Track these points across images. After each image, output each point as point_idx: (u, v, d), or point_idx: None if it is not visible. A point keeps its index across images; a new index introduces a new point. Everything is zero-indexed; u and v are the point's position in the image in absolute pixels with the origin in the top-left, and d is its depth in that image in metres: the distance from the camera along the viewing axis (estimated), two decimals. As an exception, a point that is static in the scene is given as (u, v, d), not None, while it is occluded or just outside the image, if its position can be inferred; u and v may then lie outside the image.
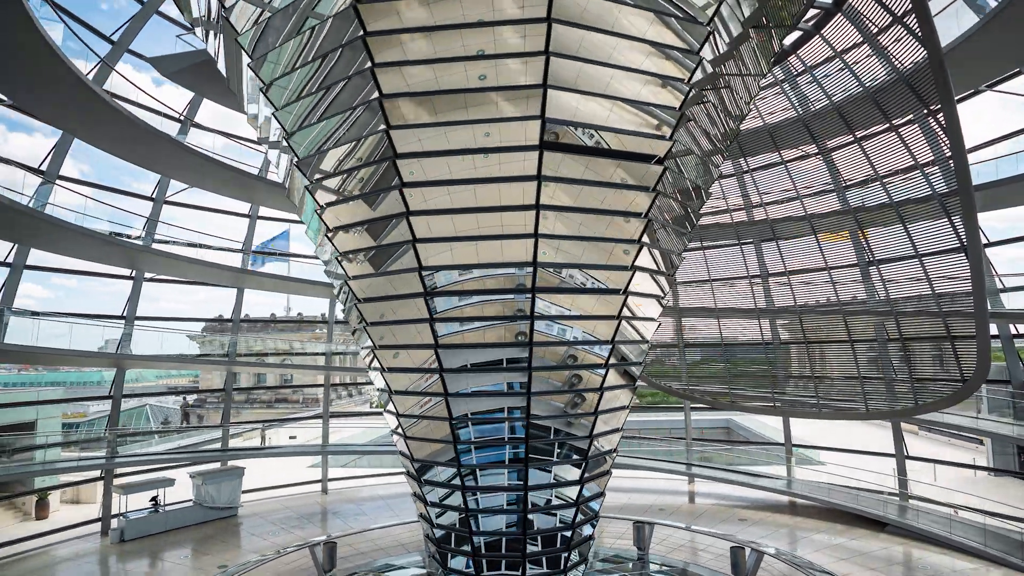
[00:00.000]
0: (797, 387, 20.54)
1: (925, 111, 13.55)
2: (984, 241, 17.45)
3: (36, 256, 17.67)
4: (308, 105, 9.73)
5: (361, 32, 8.38)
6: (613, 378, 11.18)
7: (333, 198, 10.29)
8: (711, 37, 9.09)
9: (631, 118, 9.58)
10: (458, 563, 11.70)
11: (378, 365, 11.35)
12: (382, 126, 8.96)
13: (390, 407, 11.70)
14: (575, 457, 11.31)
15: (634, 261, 10.29)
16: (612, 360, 10.95)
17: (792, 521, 19.61)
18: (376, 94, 8.70)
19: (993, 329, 17.50)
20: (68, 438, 24.90)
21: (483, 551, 11.38)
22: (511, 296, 10.17)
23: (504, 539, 11.43)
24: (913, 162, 14.73)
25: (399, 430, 11.62)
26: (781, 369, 20.66)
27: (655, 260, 11.00)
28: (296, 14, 8.85)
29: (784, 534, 18.39)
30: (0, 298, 16.69)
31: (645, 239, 10.23)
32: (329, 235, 10.56)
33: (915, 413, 17.25)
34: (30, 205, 15.48)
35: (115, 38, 16.64)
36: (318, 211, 10.48)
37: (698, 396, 23.11)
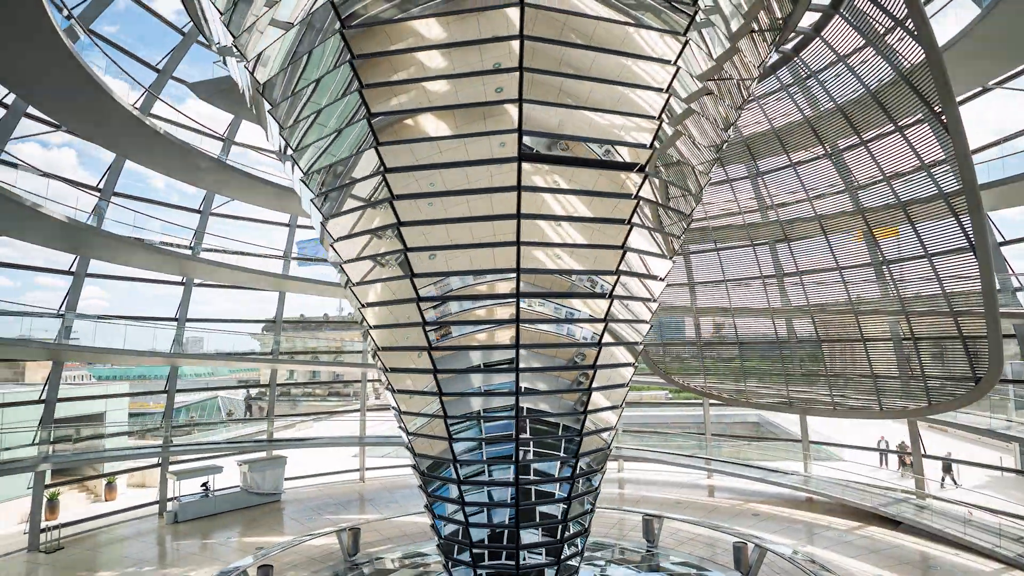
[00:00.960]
0: (813, 385, 19.77)
1: (928, 110, 12.79)
2: (999, 239, 16.39)
3: (95, 265, 18.72)
4: (310, 124, 9.96)
5: (349, 56, 8.53)
6: (603, 378, 11.02)
7: (335, 209, 10.50)
8: (688, 46, 8.86)
9: (620, 127, 9.43)
10: (465, 555, 11.73)
11: (382, 365, 11.51)
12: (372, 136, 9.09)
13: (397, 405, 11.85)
14: (568, 453, 11.17)
15: (619, 265, 10.12)
16: (602, 360, 10.79)
17: (805, 517, 18.91)
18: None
19: (1010, 328, 16.36)
20: (134, 428, 26.17)
21: (485, 542, 11.39)
22: (502, 301, 10.13)
23: (503, 530, 11.40)
24: (919, 162, 13.94)
25: (402, 426, 11.76)
26: (797, 366, 19.93)
27: (644, 263, 10.81)
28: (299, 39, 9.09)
29: (795, 529, 17.78)
30: (65, 303, 17.78)
31: (629, 244, 10.04)
32: (333, 244, 10.78)
33: (929, 413, 16.36)
34: (89, 222, 16.37)
35: (159, 66, 17.49)
36: (323, 221, 10.71)
37: (716, 394, 22.56)
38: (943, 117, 12.26)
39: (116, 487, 22.70)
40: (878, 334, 17.40)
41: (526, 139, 8.93)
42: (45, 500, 18.34)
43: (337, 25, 8.32)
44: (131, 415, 27.14)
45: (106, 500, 22.27)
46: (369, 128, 8.97)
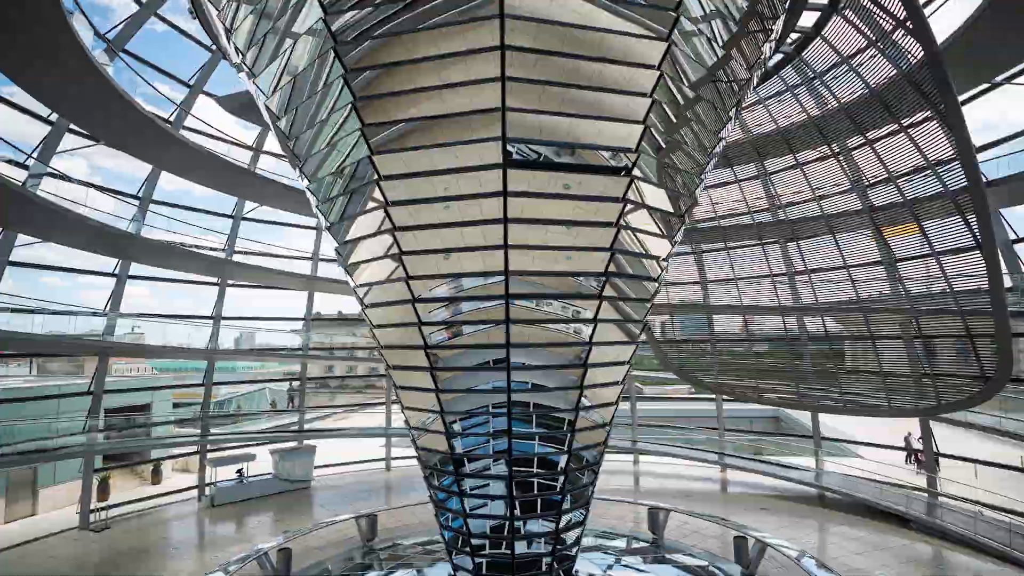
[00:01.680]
0: (823, 382, 19.18)
1: (931, 108, 12.21)
2: (1012, 237, 15.52)
3: (135, 267, 19.48)
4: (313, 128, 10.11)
5: (342, 71, 8.62)
6: (598, 376, 10.91)
7: (338, 215, 10.64)
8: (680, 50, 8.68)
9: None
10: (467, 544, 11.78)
11: (386, 363, 11.66)
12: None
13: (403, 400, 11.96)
14: (561, 444, 11.10)
15: (608, 267, 9.99)
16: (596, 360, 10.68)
17: (813, 512, 18.35)
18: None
19: (1022, 327, 15.49)
20: (171, 417, 26.95)
21: (485, 533, 11.42)
22: (495, 302, 10.11)
23: (502, 521, 11.41)
24: (924, 160, 13.32)
25: (407, 421, 11.88)
26: (807, 364, 19.36)
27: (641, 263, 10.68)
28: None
29: (804, 525, 17.27)
30: (109, 304, 18.56)
31: (625, 244, 9.92)
32: (338, 249, 10.95)
33: (938, 412, 15.68)
34: (128, 229, 17.03)
35: (190, 82, 18.07)
36: (328, 227, 10.89)
37: (727, 390, 22.09)
38: (945, 115, 11.70)
39: (161, 472, 23.62)
40: (887, 332, 16.75)
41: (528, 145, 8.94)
42: (96, 483, 19.20)
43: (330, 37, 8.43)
44: (180, 405, 28.04)
45: (152, 484, 23.21)
46: (364, 139, 9.06)
